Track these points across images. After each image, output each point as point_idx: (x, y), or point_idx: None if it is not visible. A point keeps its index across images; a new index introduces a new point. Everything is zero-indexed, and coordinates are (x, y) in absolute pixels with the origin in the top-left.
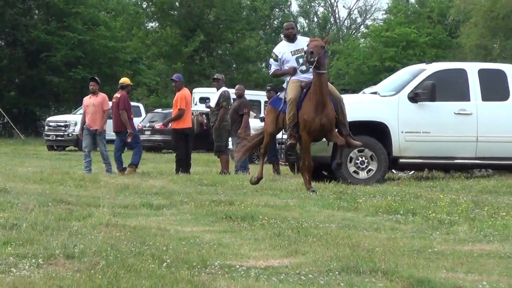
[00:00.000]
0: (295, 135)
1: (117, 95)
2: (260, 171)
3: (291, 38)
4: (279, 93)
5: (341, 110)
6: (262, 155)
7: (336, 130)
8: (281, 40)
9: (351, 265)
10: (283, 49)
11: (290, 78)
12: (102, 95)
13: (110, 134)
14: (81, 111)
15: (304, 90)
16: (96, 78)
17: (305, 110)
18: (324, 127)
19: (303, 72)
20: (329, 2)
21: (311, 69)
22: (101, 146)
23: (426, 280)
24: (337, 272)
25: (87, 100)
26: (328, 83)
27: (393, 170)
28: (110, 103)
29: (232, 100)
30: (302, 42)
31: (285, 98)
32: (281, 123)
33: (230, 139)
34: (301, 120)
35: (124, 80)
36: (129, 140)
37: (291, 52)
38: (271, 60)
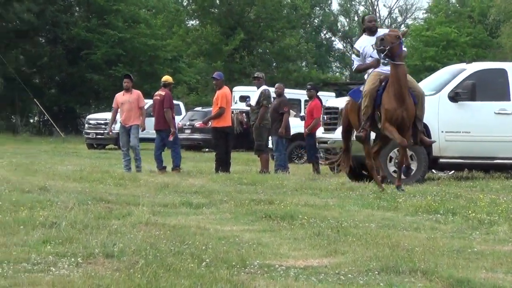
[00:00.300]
0: (367, 128)
1: (161, 92)
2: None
3: (373, 31)
4: (360, 86)
5: (421, 105)
6: (345, 150)
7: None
8: (361, 35)
9: (391, 265)
10: (364, 43)
11: (372, 70)
12: (136, 92)
13: (150, 132)
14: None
15: (383, 84)
16: (130, 75)
17: (386, 101)
18: (404, 121)
19: (385, 64)
20: (369, 1)
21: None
22: (135, 141)
23: (465, 280)
24: (376, 272)
25: (121, 97)
26: (409, 76)
27: (433, 170)
28: (146, 101)
29: (272, 99)
30: (381, 33)
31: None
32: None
33: (270, 138)
34: (383, 111)
35: (167, 78)
36: (171, 139)
37: (372, 45)
38: (353, 56)
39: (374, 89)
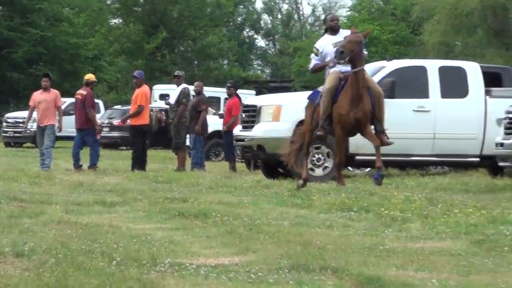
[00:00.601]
0: (326, 127)
1: (83, 92)
2: (305, 172)
3: (335, 30)
4: (319, 87)
5: (379, 105)
6: (305, 155)
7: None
8: (324, 34)
9: (301, 263)
10: (324, 42)
11: (331, 70)
12: (55, 92)
13: (68, 130)
14: None
15: (342, 82)
16: (49, 74)
17: (340, 104)
18: (359, 121)
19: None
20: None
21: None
22: (47, 142)
23: (375, 278)
24: (287, 270)
25: (38, 95)
26: (368, 76)
27: (349, 167)
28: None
29: (192, 97)
30: (344, 34)
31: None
32: (318, 117)
33: (188, 136)
34: (335, 113)
35: (90, 76)
36: (98, 137)
37: (332, 44)
38: (312, 55)
39: (333, 87)
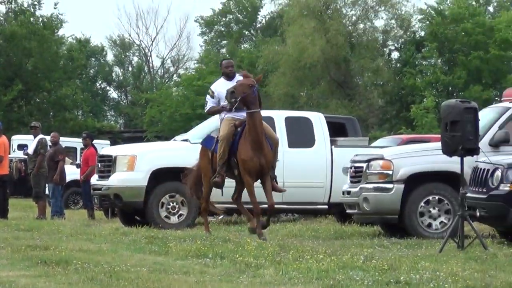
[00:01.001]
0: (223, 174)
1: None
2: (206, 226)
3: (230, 76)
4: (211, 132)
5: (275, 152)
6: (205, 209)
7: None
8: (219, 78)
9: None
10: (219, 86)
11: (224, 116)
12: None
13: None
14: None
15: (239, 129)
16: None
17: (242, 150)
18: (263, 168)
19: (239, 110)
20: (143, 51)
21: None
22: None
23: None
24: None
25: None
26: (265, 124)
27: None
28: None
29: (48, 147)
30: (238, 79)
31: (217, 137)
32: (216, 163)
33: (47, 185)
34: (239, 161)
35: None
36: None
37: (227, 90)
38: (208, 97)
39: (229, 134)
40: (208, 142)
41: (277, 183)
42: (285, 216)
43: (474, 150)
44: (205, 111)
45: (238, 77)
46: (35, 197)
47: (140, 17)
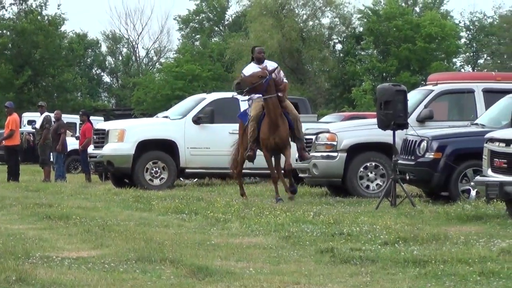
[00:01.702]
0: (254, 148)
1: None
2: (241, 189)
3: (260, 61)
4: (246, 108)
5: (297, 127)
6: (239, 174)
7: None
8: (250, 62)
9: (145, 255)
10: (250, 69)
11: (256, 97)
12: None
13: None
14: None
15: (264, 110)
16: None
17: (262, 129)
18: (278, 145)
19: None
20: (131, 44)
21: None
22: None
23: (204, 267)
24: (133, 261)
25: None
26: (288, 104)
27: (181, 178)
28: None
29: (53, 123)
30: (268, 64)
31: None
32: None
33: (51, 154)
34: (260, 138)
35: None
36: None
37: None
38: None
39: (257, 115)
40: (243, 117)
41: (305, 151)
42: (249, 179)
43: (404, 125)
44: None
45: (267, 62)
46: (42, 164)
47: (129, 16)
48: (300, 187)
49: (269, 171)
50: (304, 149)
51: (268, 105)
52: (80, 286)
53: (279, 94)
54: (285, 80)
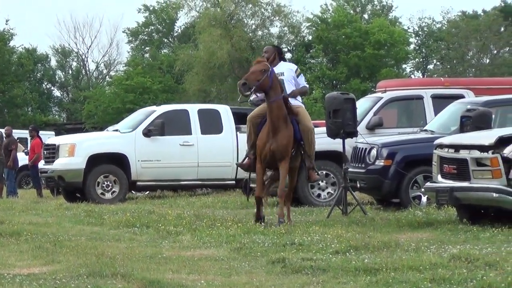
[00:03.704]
0: (251, 157)
1: None
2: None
3: (270, 62)
4: None
5: (308, 141)
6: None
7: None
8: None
9: (97, 270)
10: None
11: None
12: None
13: None
14: None
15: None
16: None
17: (260, 135)
18: (274, 153)
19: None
20: (80, 57)
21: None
22: None
23: (156, 281)
24: (85, 276)
25: None
26: (303, 111)
27: (132, 191)
28: None
29: (4, 139)
30: (282, 66)
31: None
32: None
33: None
34: (256, 146)
35: None
36: None
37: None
38: None
39: (254, 115)
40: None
41: (316, 172)
42: (200, 190)
43: (353, 133)
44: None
45: (282, 64)
46: None
47: (77, 29)
48: (251, 198)
49: (219, 182)
50: (314, 169)
51: (271, 108)
52: None
53: (289, 96)
54: (305, 84)
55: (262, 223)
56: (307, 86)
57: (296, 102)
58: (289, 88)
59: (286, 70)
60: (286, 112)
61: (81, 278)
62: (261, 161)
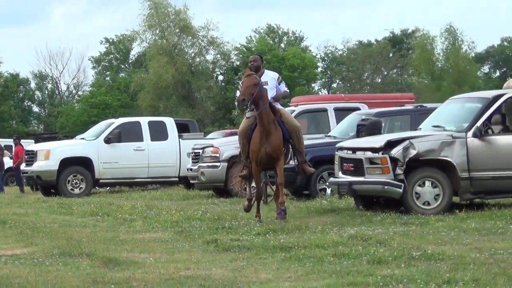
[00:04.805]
0: (249, 165)
1: None
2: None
3: (257, 70)
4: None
5: (297, 138)
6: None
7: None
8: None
9: (66, 251)
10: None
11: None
12: None
13: None
14: None
15: (257, 120)
16: None
17: (253, 141)
18: (271, 156)
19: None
20: (55, 80)
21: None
22: None
23: (114, 259)
24: (57, 256)
25: None
26: (285, 112)
27: (96, 187)
28: None
29: None
30: (267, 76)
31: None
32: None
33: None
34: (250, 150)
35: None
36: None
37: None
38: (237, 92)
39: (245, 128)
40: None
41: (308, 165)
42: (151, 186)
43: None
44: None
45: (267, 72)
46: None
47: (52, 58)
48: (191, 191)
49: (165, 179)
50: (306, 162)
51: (262, 117)
52: (14, 278)
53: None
54: (286, 89)
55: (258, 220)
56: (288, 91)
57: (278, 105)
58: (271, 94)
59: (269, 79)
60: (273, 116)
61: (54, 257)
62: (257, 164)
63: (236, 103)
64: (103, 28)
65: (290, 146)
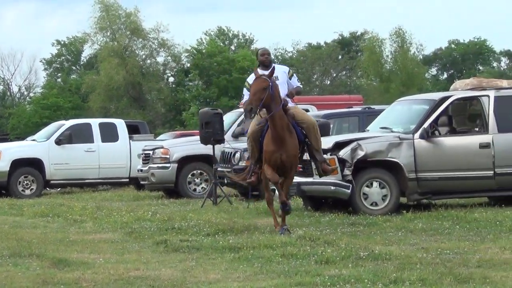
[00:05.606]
0: (257, 171)
1: None
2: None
3: (266, 65)
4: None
5: (314, 136)
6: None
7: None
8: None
9: (17, 252)
10: (252, 80)
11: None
12: None
13: None
14: None
15: (268, 123)
16: None
17: (266, 142)
18: (285, 164)
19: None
20: (6, 82)
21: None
22: None
23: (64, 259)
24: (7, 257)
25: None
26: (298, 110)
27: (47, 188)
28: None
29: None
30: (277, 70)
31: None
32: None
33: None
34: (263, 152)
35: None
36: None
37: (245, 109)
38: (244, 90)
39: (257, 131)
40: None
41: (327, 164)
42: (101, 187)
43: (221, 140)
44: (241, 103)
45: (276, 67)
46: None
47: (3, 60)
48: (142, 192)
49: (116, 180)
50: (326, 161)
51: (274, 121)
52: None
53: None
54: (299, 84)
55: (280, 230)
56: (301, 86)
57: (291, 103)
58: (283, 90)
59: (280, 74)
60: (287, 120)
61: (4, 258)
62: (270, 165)
63: (242, 110)
64: (54, 30)
65: (306, 147)
